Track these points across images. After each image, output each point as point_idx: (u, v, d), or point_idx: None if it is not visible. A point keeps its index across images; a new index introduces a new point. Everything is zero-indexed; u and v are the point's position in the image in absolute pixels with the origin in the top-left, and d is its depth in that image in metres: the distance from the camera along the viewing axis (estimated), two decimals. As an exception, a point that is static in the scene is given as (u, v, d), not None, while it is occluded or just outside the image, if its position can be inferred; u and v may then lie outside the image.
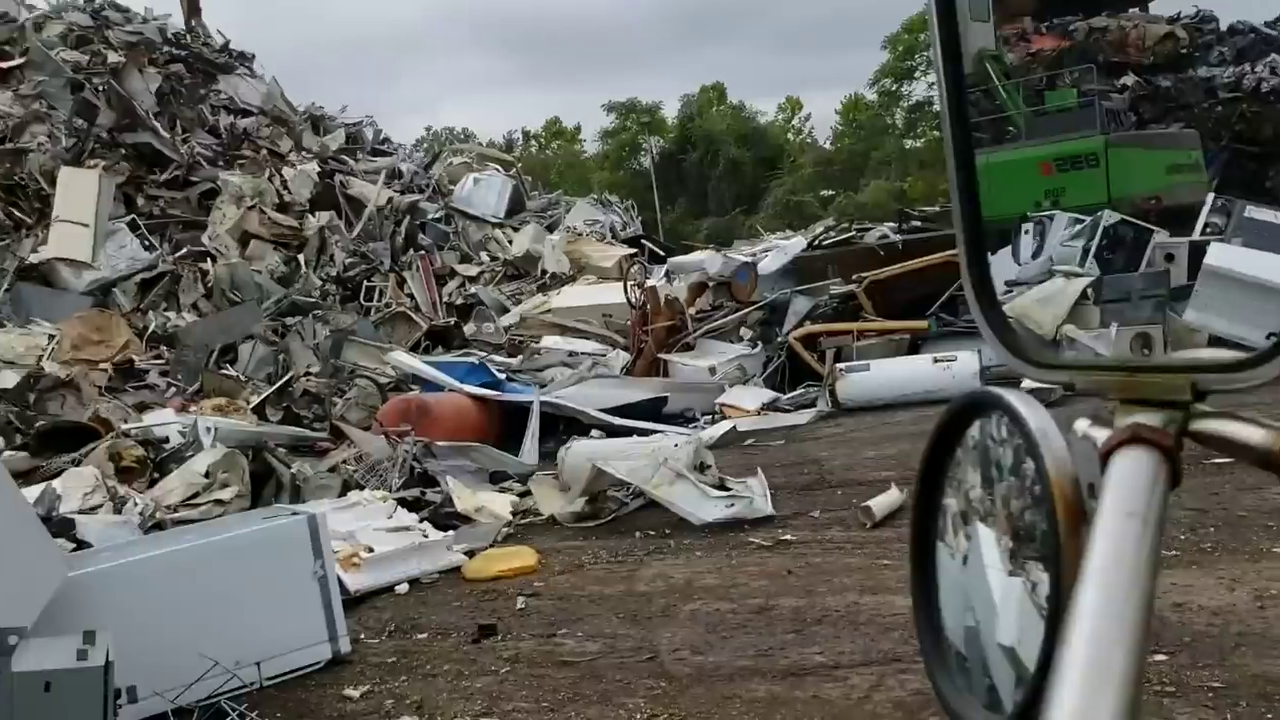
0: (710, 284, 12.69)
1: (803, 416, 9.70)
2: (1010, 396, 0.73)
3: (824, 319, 11.21)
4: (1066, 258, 10.21)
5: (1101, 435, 0.68)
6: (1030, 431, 0.69)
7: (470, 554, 6.21)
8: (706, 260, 13.36)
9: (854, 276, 11.36)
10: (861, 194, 45.91)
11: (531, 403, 9.09)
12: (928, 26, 0.84)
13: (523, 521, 7.02)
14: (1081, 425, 0.72)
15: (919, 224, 13.46)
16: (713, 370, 10.78)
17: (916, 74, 51.81)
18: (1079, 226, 10.69)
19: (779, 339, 11.24)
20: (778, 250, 13.87)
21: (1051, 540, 0.66)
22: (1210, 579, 4.42)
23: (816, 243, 14.08)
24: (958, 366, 9.19)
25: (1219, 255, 9.34)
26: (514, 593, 5.57)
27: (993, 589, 0.76)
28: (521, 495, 7.50)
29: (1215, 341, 8.77)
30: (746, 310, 11.97)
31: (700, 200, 56.25)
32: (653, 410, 9.67)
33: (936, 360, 9.45)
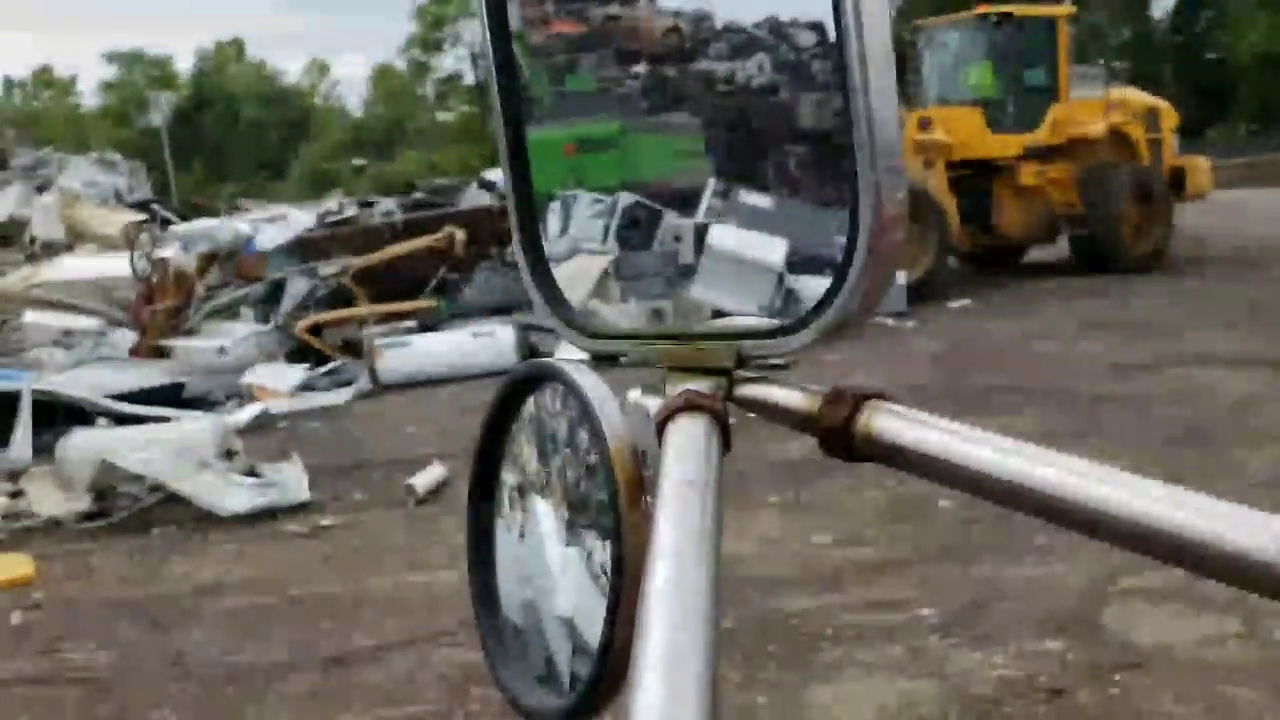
0: (220, 256, 11.74)
1: (341, 395, 9.41)
2: (567, 367, 0.73)
3: (324, 302, 10.70)
4: (590, 235, 10.81)
5: (654, 404, 0.69)
6: (588, 401, 0.69)
7: (-52, 568, 5.36)
8: (218, 228, 12.42)
9: (340, 267, 10.85)
10: (395, 164, 45.66)
11: (18, 390, 7.97)
12: None
13: (15, 525, 6.17)
14: (634, 395, 0.73)
15: (422, 198, 13.07)
16: (222, 351, 9.98)
17: (445, 46, 52.31)
18: (600, 206, 11.36)
19: (277, 322, 10.59)
20: (281, 224, 12.82)
21: (611, 511, 0.66)
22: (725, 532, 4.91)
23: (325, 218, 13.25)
24: (495, 341, 9.40)
25: (718, 236, 10.38)
26: (7, 606, 4.89)
27: (550, 561, 0.75)
28: (13, 495, 6.59)
29: (717, 315, 9.75)
30: (249, 287, 11.15)
31: (220, 163, 52.92)
32: (169, 395, 8.88)
33: (476, 335, 9.58)
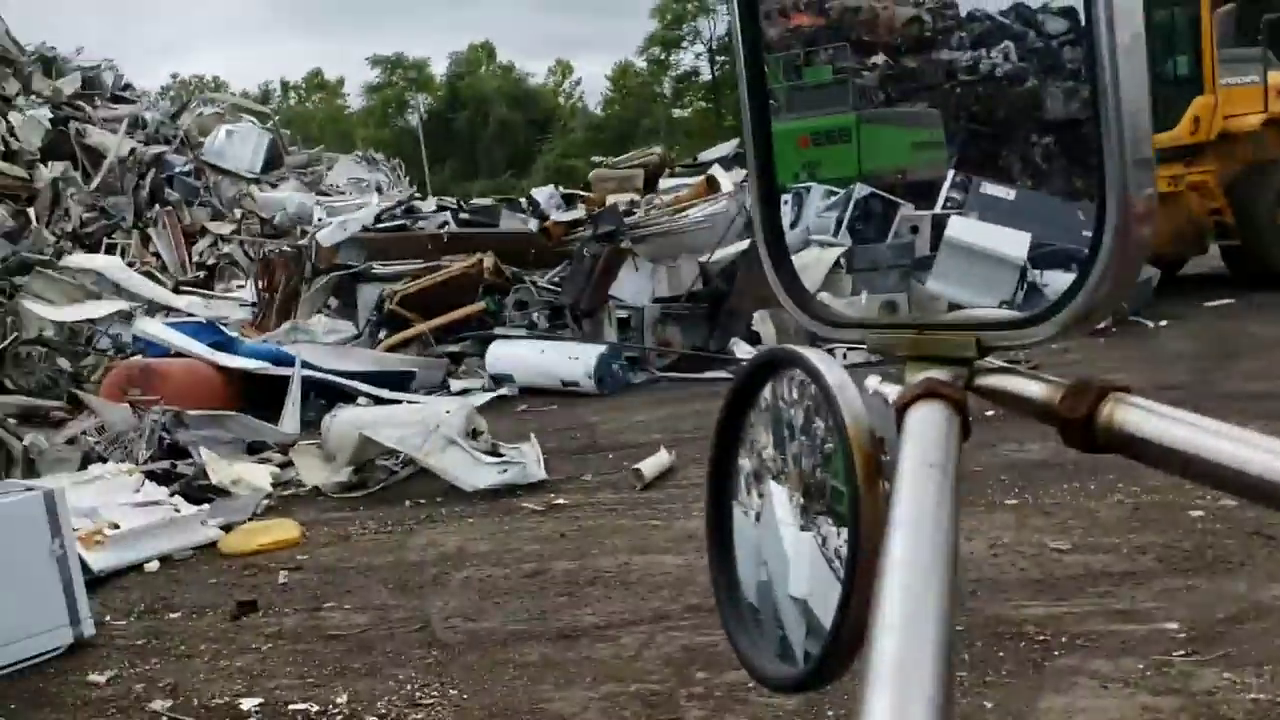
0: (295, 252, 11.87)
1: (509, 389, 9.48)
2: (807, 353, 0.74)
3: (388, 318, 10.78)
4: (822, 228, 10.69)
5: (892, 392, 0.70)
6: (828, 386, 0.70)
7: (227, 528, 5.92)
8: (286, 199, 12.37)
9: (385, 291, 10.89)
10: (631, 160, 46.45)
11: (285, 371, 8.67)
12: None
13: (284, 493, 6.74)
14: (872, 382, 0.75)
15: (467, 217, 12.67)
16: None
17: (684, 44, 52.93)
18: (833, 198, 11.21)
19: (358, 332, 10.73)
20: (338, 223, 12.41)
21: (848, 494, 0.67)
22: (952, 531, 4.78)
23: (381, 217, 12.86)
24: (581, 363, 9.33)
25: (957, 228, 9.99)
26: (276, 567, 5.36)
27: (785, 544, 0.77)
28: (282, 466, 7.21)
29: (953, 308, 9.43)
30: (328, 277, 11.30)
31: (470, 161, 55.50)
32: (401, 381, 9.37)
33: (572, 358, 9.45)
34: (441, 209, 12.98)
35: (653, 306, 10.24)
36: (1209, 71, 11.43)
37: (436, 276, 10.69)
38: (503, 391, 9.35)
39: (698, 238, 10.68)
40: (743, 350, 9.28)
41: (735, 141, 16.30)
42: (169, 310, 11.64)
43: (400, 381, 9.35)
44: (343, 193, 17.88)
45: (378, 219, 12.50)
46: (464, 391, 9.32)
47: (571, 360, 9.35)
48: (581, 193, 14.03)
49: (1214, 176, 11.44)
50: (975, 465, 5.52)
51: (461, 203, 13.69)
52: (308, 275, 11.59)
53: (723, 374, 9.08)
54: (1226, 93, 11.49)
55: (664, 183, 13.71)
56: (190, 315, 11.20)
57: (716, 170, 12.55)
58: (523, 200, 13.80)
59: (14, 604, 4.23)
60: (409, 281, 10.80)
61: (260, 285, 11.83)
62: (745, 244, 10.25)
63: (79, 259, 12.03)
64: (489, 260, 10.68)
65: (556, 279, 10.90)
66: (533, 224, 11.94)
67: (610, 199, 12.37)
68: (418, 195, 15.49)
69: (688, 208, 11.24)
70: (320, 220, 12.61)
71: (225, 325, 10.67)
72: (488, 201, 14.23)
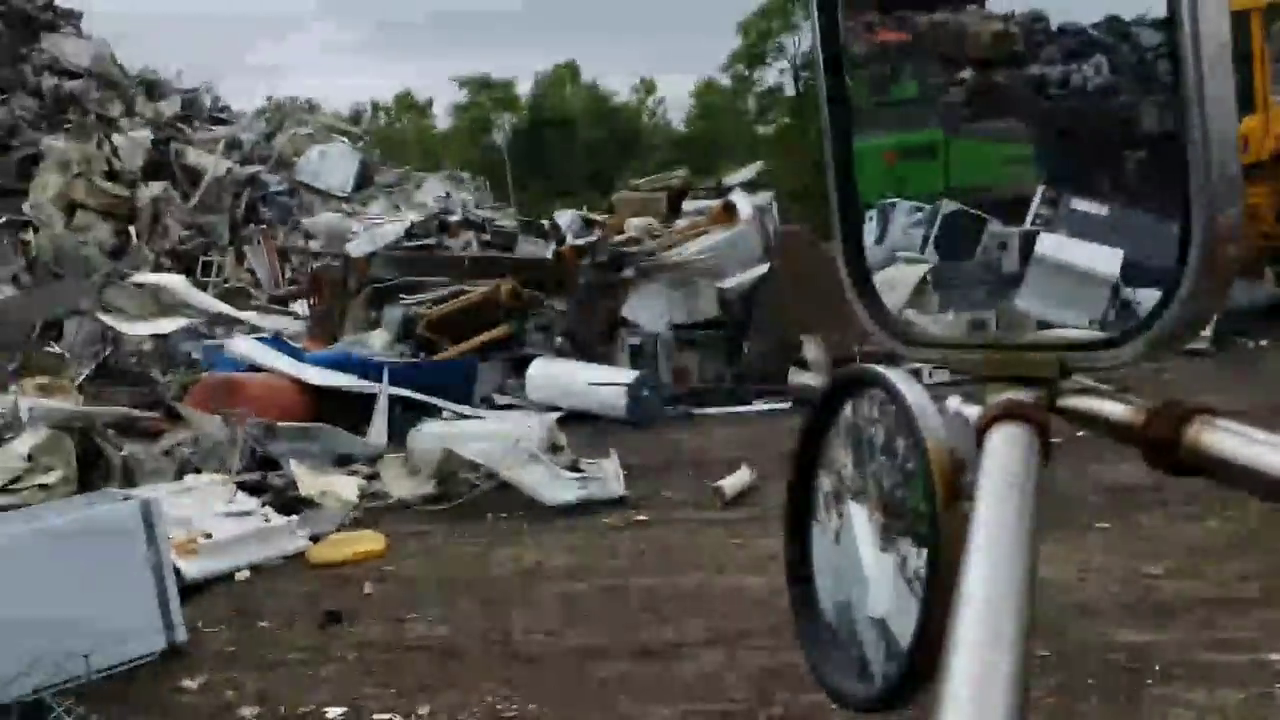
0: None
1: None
2: (888, 373, 0.74)
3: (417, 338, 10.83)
4: (908, 245, 10.58)
5: (973, 412, 0.70)
6: (908, 406, 0.70)
7: (315, 539, 6.04)
8: (321, 218, 12.59)
9: (414, 311, 10.94)
10: (715, 176, 46.45)
11: (373, 386, 8.80)
12: (808, 10, 0.85)
13: (370, 505, 6.85)
14: (953, 403, 0.74)
15: (488, 239, 12.66)
16: None
17: (768, 60, 52.78)
18: (919, 215, 11.08)
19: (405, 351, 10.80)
20: (366, 236, 12.55)
21: (928, 514, 0.67)
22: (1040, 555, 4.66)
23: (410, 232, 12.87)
24: (613, 400, 9.14)
25: (1047, 245, 9.82)
26: (362, 578, 5.45)
27: (864, 564, 0.77)
28: (369, 478, 7.33)
29: (1043, 327, 9.23)
30: (366, 290, 11.44)
31: (555, 180, 56.02)
32: (464, 389, 9.46)
33: (604, 404, 9.25)
34: (469, 226, 13.09)
35: (668, 333, 10.04)
36: (1260, 89, 10.90)
37: (457, 303, 10.84)
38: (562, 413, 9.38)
39: (709, 265, 10.51)
40: (801, 377, 9.09)
41: (759, 164, 16.18)
42: (233, 325, 11.95)
43: (468, 390, 9.45)
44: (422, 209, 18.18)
45: (409, 233, 12.62)
46: (510, 406, 9.39)
47: (603, 404, 9.14)
48: (597, 216, 13.95)
49: (1266, 199, 10.83)
50: (1066, 488, 5.39)
51: (487, 223, 13.77)
52: (352, 291, 11.82)
53: (753, 407, 8.95)
54: (1279, 111, 10.97)
55: (688, 204, 13.66)
56: (256, 330, 11.51)
57: (737, 194, 12.43)
58: (545, 222, 13.84)
59: (111, 609, 4.36)
60: (431, 305, 10.92)
61: (311, 301, 12.11)
62: (764, 268, 10.15)
63: (144, 277, 12.46)
64: (506, 285, 10.80)
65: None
66: (550, 248, 12.03)
67: (632, 222, 12.33)
68: (449, 212, 15.65)
69: (699, 235, 11.11)
70: (354, 233, 12.96)
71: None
72: (509, 223, 14.30)
